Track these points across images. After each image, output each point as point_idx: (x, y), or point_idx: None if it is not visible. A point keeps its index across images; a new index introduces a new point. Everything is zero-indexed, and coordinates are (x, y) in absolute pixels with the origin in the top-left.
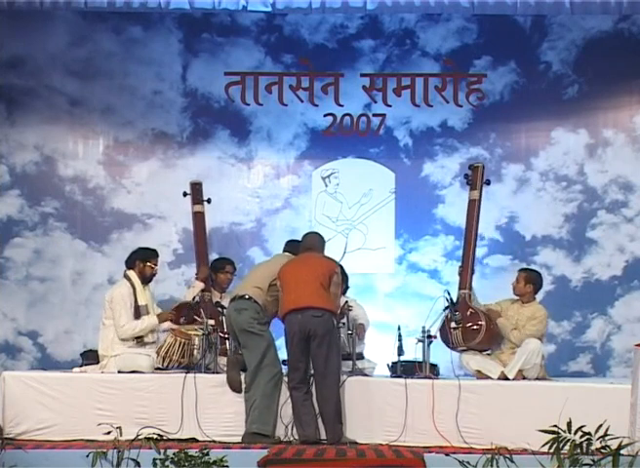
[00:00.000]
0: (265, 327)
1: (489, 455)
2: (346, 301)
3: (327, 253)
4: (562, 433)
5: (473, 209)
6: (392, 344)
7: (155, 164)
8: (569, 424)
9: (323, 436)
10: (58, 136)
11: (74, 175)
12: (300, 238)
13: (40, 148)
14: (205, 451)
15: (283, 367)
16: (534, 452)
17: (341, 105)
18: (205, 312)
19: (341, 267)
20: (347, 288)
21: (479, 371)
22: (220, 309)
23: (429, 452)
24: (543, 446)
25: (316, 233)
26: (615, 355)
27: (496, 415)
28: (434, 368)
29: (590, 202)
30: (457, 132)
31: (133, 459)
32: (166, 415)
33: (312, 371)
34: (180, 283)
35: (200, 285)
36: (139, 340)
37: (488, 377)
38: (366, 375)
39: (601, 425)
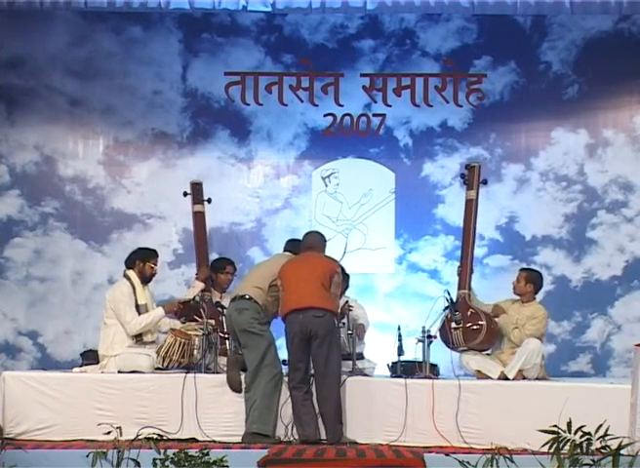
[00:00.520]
0: (266, 327)
1: (489, 455)
2: (347, 301)
3: (327, 253)
4: (562, 433)
5: (471, 208)
6: (392, 344)
7: (155, 164)
8: (569, 424)
9: (323, 436)
10: (58, 136)
11: (74, 175)
12: (300, 238)
13: (40, 148)
14: (205, 451)
15: (283, 367)
16: (534, 452)
17: (341, 105)
18: (205, 312)
19: (342, 267)
20: (347, 287)
21: (479, 371)
22: (220, 309)
23: (429, 452)
24: (543, 446)
25: (317, 232)
26: (615, 355)
27: (496, 415)
28: (434, 368)
29: (590, 202)
30: (457, 132)
31: (133, 459)
32: (166, 415)
33: (312, 371)
34: (180, 283)
35: (200, 285)
36: (138, 339)
37: (488, 377)
38: (366, 375)
39: (601, 425)
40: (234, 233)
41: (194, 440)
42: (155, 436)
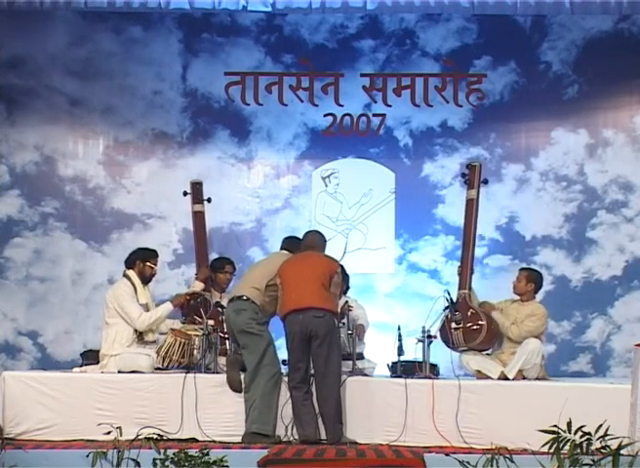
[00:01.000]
0: (264, 327)
1: (489, 455)
2: (347, 301)
3: (327, 253)
4: (562, 433)
5: (471, 208)
6: (392, 344)
7: (155, 164)
8: (569, 424)
9: (323, 436)
10: (58, 136)
11: (74, 175)
12: (297, 235)
13: (40, 148)
14: (205, 451)
15: (283, 366)
16: (534, 452)
17: (341, 105)
18: (205, 312)
19: (342, 267)
20: (348, 288)
21: (479, 371)
22: (219, 309)
23: (429, 452)
24: (543, 446)
25: (317, 232)
26: (615, 355)
27: (496, 415)
28: (434, 368)
29: (590, 202)
30: (457, 132)
31: (133, 459)
32: (166, 415)
33: (312, 371)
34: (180, 283)
35: (200, 285)
36: (140, 338)
37: (488, 377)
38: (366, 375)
39: (601, 425)
40: (234, 233)
41: (194, 440)
42: (155, 436)
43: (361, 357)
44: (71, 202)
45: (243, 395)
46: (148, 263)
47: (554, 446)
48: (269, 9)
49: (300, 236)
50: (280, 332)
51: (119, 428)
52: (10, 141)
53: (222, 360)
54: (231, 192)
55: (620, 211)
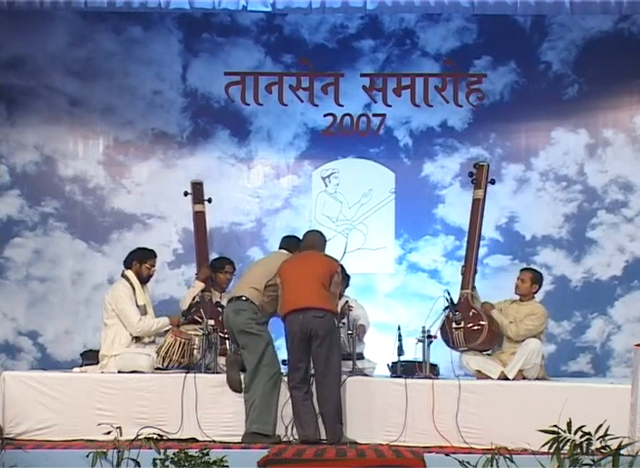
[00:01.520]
0: (263, 327)
1: (489, 455)
2: (347, 301)
3: (327, 253)
4: (562, 433)
5: (477, 208)
6: (392, 344)
7: (155, 164)
8: (569, 424)
9: (323, 436)
10: (58, 136)
11: (74, 175)
12: (296, 235)
13: (40, 148)
14: (205, 451)
15: (283, 366)
16: (534, 452)
17: (341, 105)
18: (205, 312)
19: (342, 267)
20: (347, 286)
21: (479, 371)
22: (219, 309)
23: (429, 452)
24: (543, 446)
25: (317, 231)
26: (615, 355)
27: (496, 415)
28: (434, 368)
29: (590, 202)
30: (457, 132)
31: (133, 459)
32: (166, 415)
33: (312, 371)
34: (180, 283)
35: (200, 285)
36: (138, 339)
37: (488, 377)
38: (366, 375)
39: (601, 425)
40: (234, 233)
41: (194, 440)
42: (155, 436)
43: (361, 357)
44: (71, 202)
45: (243, 395)
46: (145, 264)
47: (554, 446)
48: (269, 9)
49: (300, 236)
50: (280, 332)
51: (119, 428)
52: (10, 141)
53: (222, 360)
54: (231, 192)
55: (620, 211)
